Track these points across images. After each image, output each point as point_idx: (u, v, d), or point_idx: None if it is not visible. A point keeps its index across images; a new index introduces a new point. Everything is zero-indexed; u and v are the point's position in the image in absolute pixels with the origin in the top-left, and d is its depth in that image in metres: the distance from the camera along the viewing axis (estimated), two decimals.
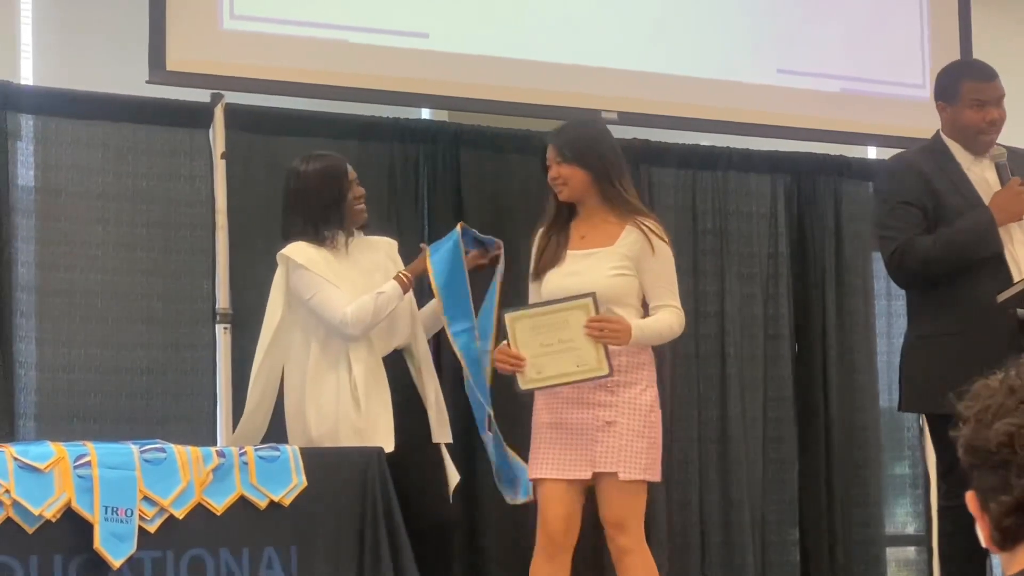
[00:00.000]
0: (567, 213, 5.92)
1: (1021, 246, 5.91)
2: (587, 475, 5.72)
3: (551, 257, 5.88)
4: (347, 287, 5.96)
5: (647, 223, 5.83)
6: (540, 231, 5.95)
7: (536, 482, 5.84)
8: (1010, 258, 5.90)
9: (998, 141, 6.18)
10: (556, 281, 5.82)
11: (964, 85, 6.12)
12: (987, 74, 6.16)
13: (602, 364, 5.66)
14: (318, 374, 5.94)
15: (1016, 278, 5.81)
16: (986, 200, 5.96)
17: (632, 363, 5.77)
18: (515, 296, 6.11)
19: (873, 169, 8.27)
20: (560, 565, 5.82)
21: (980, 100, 6.08)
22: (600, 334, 5.65)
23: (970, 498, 1.97)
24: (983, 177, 6.07)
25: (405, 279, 5.99)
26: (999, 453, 1.93)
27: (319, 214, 6.04)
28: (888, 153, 7.89)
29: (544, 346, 5.73)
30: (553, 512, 5.78)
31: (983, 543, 2.02)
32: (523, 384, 5.75)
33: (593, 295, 5.67)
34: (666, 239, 5.86)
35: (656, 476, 5.82)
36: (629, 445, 5.73)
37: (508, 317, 5.79)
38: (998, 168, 5.87)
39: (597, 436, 5.71)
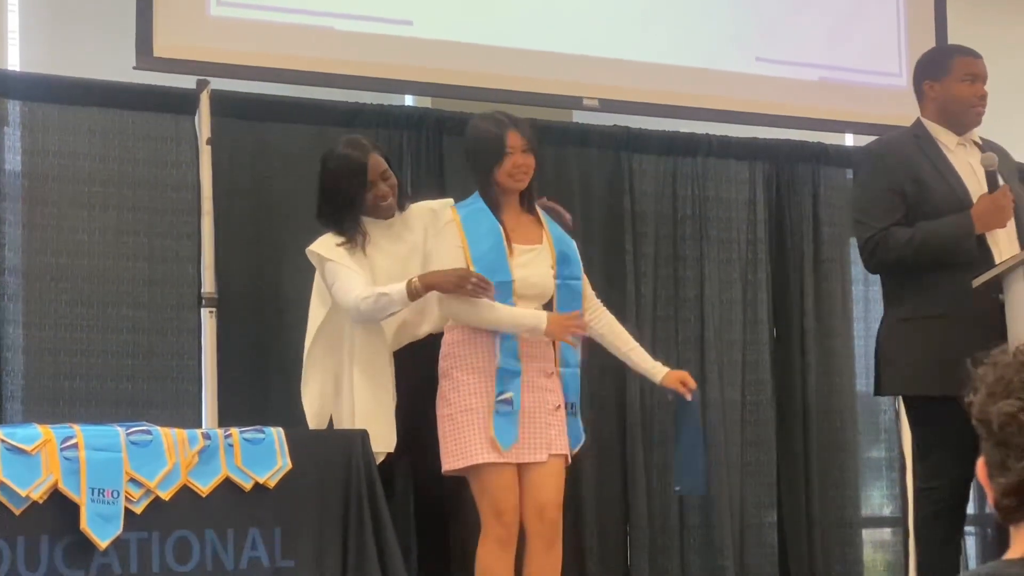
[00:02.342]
0: (495, 205, 5.92)
1: (1003, 231, 5.88)
2: (543, 458, 5.73)
3: (508, 247, 5.89)
4: (373, 277, 5.98)
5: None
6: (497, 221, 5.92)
7: (484, 467, 5.74)
8: (992, 243, 5.89)
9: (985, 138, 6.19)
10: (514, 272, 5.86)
11: (956, 60, 6.14)
12: (975, 52, 6.21)
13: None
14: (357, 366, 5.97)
15: (998, 263, 5.78)
16: (968, 183, 5.93)
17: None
18: None
19: (851, 156, 8.27)
20: (512, 553, 5.81)
21: (972, 74, 6.12)
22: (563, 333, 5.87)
23: (980, 466, 1.94)
24: (966, 161, 6.06)
25: (414, 288, 5.83)
26: (1001, 432, 1.90)
27: (334, 214, 6.08)
28: (865, 140, 7.90)
29: None
30: (511, 501, 5.76)
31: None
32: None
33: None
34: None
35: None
36: (565, 429, 5.85)
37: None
38: (988, 175, 5.82)
39: (549, 420, 5.75)
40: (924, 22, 8.29)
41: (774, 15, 7.97)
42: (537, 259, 5.88)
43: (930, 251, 5.86)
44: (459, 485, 5.99)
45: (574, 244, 6.07)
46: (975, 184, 5.95)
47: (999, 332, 5.62)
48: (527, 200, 5.97)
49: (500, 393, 5.74)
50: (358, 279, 5.91)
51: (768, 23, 7.95)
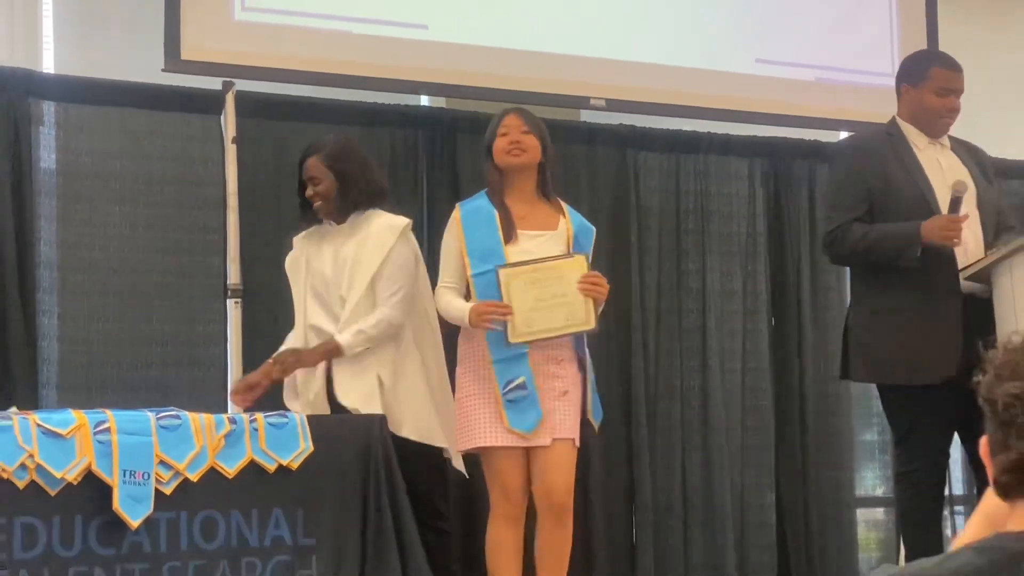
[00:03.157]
0: (501, 190, 5.91)
1: (969, 229, 5.87)
2: (547, 442, 5.71)
3: (506, 233, 5.83)
4: (307, 282, 5.98)
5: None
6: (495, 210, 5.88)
7: (491, 450, 5.77)
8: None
9: (951, 134, 6.18)
10: (513, 257, 5.81)
11: (933, 70, 6.10)
12: (955, 65, 6.15)
13: (590, 318, 5.74)
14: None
15: (961, 260, 5.78)
16: (934, 181, 5.92)
17: (569, 344, 5.85)
18: None
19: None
20: (520, 529, 5.83)
21: (945, 88, 6.08)
22: (595, 289, 5.72)
23: (982, 444, 1.96)
24: (935, 159, 6.04)
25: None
26: (1005, 412, 1.91)
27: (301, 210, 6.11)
28: None
29: (539, 300, 5.70)
30: (517, 482, 5.78)
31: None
32: (512, 337, 5.69)
33: (587, 254, 5.78)
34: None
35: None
36: (577, 414, 5.81)
37: (503, 273, 5.71)
38: (952, 200, 5.75)
39: (558, 405, 5.74)
40: (916, 23, 8.27)
41: (772, 18, 7.96)
42: (547, 244, 5.83)
43: (878, 252, 5.85)
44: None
45: (592, 234, 6.01)
46: (940, 182, 5.91)
47: (961, 325, 5.70)
48: (543, 188, 5.95)
49: (511, 381, 5.73)
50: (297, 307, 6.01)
51: (767, 26, 7.95)
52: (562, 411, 5.74)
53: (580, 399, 5.82)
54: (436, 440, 5.92)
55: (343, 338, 5.78)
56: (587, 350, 5.91)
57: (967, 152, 6.16)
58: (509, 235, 5.81)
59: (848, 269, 6.34)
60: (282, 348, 6.01)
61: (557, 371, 5.77)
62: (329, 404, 5.89)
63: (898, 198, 5.90)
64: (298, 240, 6.08)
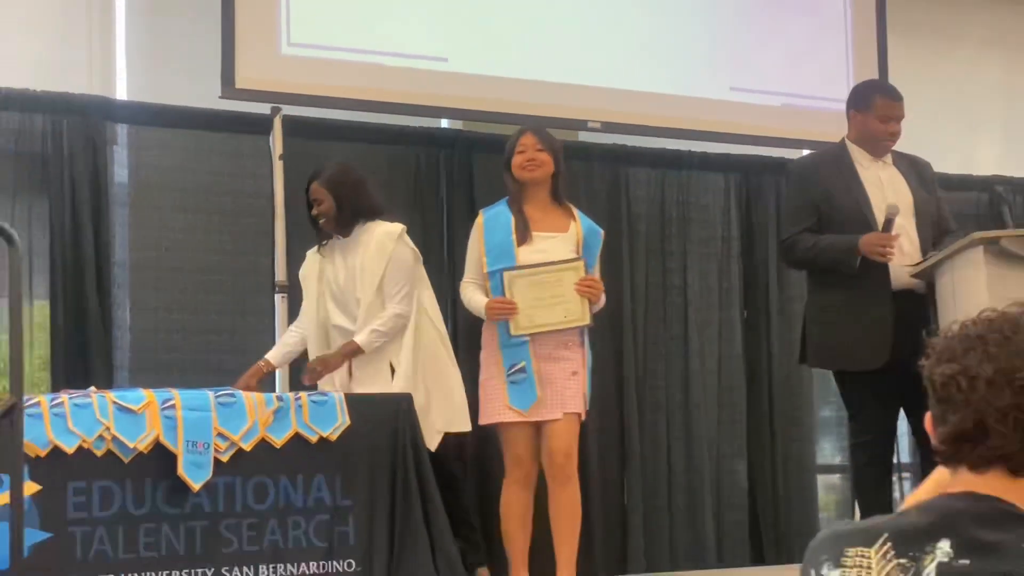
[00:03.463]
0: (521, 198, 5.93)
1: (906, 235, 5.86)
2: (558, 416, 5.77)
3: (521, 236, 5.87)
4: (320, 289, 6.05)
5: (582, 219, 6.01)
6: (512, 215, 5.91)
7: (504, 425, 5.84)
8: (897, 246, 5.83)
9: (896, 148, 6.18)
10: (527, 256, 5.85)
11: (877, 99, 6.09)
12: (896, 95, 6.13)
13: (585, 315, 5.81)
14: None
15: (898, 261, 5.78)
16: (873, 197, 5.91)
17: (580, 329, 5.87)
18: None
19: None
20: (529, 492, 5.89)
21: (888, 115, 6.06)
22: (590, 290, 5.77)
23: (928, 418, 1.96)
24: (877, 176, 6.03)
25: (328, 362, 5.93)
26: (943, 390, 1.92)
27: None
28: None
29: (538, 299, 5.76)
30: (526, 452, 5.84)
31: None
32: (515, 330, 5.77)
33: (584, 259, 5.82)
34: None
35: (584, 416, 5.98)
36: (583, 392, 5.87)
37: (507, 276, 5.79)
38: (886, 220, 5.73)
39: (568, 384, 5.77)
40: (868, 57, 8.25)
41: (744, 52, 7.94)
42: (558, 244, 5.87)
43: (822, 260, 5.86)
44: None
45: (600, 236, 6.05)
46: (879, 197, 5.90)
47: (892, 319, 5.73)
48: (556, 196, 5.97)
49: (514, 364, 5.77)
50: (302, 314, 6.08)
51: (739, 59, 7.93)
52: (572, 389, 5.80)
53: (583, 378, 5.85)
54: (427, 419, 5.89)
55: (361, 338, 5.83)
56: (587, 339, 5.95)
57: (909, 166, 6.15)
58: (524, 238, 5.86)
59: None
60: (282, 342, 6.14)
61: (567, 355, 5.82)
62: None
63: (840, 212, 5.90)
64: (310, 254, 6.15)
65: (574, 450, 5.85)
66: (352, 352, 5.86)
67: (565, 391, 5.78)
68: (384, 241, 5.92)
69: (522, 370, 5.76)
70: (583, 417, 5.89)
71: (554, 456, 5.78)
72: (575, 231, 5.92)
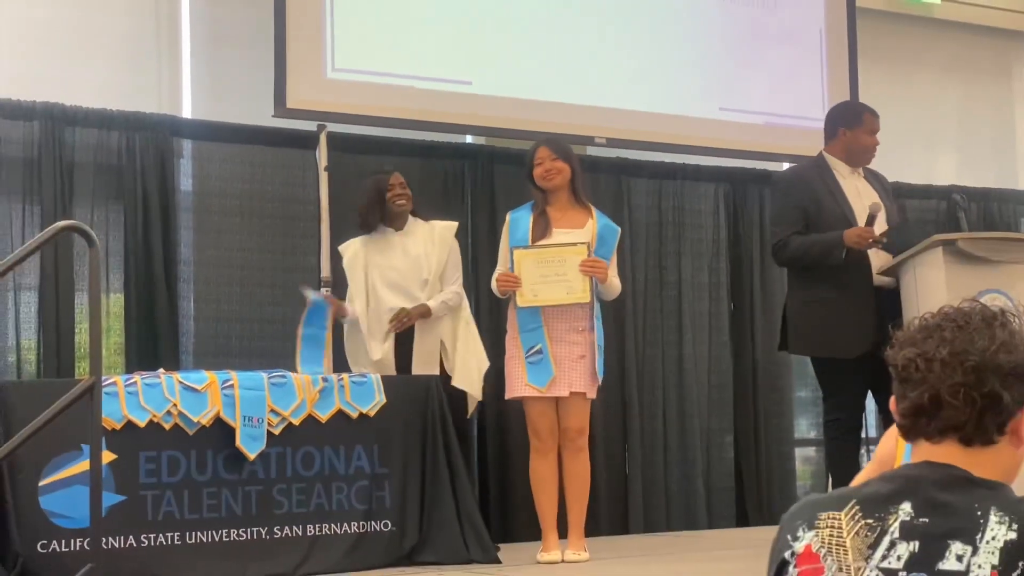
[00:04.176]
0: (545, 202, 5.89)
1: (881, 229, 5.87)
2: (565, 393, 5.75)
3: (540, 231, 5.83)
4: (373, 272, 6.09)
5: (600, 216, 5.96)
6: (531, 216, 5.87)
7: (525, 400, 5.81)
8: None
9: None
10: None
11: (866, 116, 6.09)
12: (876, 113, 6.15)
13: (586, 293, 5.72)
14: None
15: (873, 260, 5.78)
16: (853, 203, 5.90)
17: (587, 318, 5.79)
18: None
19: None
20: (551, 460, 5.86)
21: (874, 129, 6.07)
22: (591, 270, 5.70)
23: (892, 400, 1.98)
24: (855, 186, 6.02)
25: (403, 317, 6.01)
26: (903, 371, 1.94)
27: (366, 215, 6.18)
28: None
29: (543, 276, 5.71)
30: (545, 424, 5.81)
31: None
32: (520, 302, 5.74)
33: (588, 243, 5.75)
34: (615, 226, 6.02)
35: (594, 395, 5.91)
36: (591, 373, 5.80)
37: (517, 253, 5.75)
38: (869, 216, 5.71)
39: (575, 365, 5.75)
40: (841, 81, 8.24)
41: (732, 77, 7.93)
42: (572, 238, 5.81)
43: (812, 255, 5.82)
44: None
45: (617, 235, 5.98)
46: (859, 204, 5.88)
47: (873, 311, 5.70)
48: (575, 196, 5.93)
49: (532, 347, 5.75)
50: (352, 298, 6.12)
51: (728, 83, 7.92)
52: (579, 371, 5.76)
53: (592, 360, 5.80)
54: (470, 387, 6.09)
55: (433, 304, 6.02)
56: (600, 324, 5.89)
57: (874, 178, 6.15)
58: (542, 234, 5.81)
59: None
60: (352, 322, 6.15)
61: (576, 339, 5.77)
62: (396, 365, 6.00)
63: (826, 216, 5.88)
64: (354, 244, 6.19)
65: (585, 425, 5.85)
66: (424, 313, 5.99)
67: (572, 372, 5.75)
68: (445, 234, 6.17)
69: (539, 351, 5.74)
70: (591, 396, 5.85)
71: (567, 432, 5.81)
72: (591, 227, 5.86)
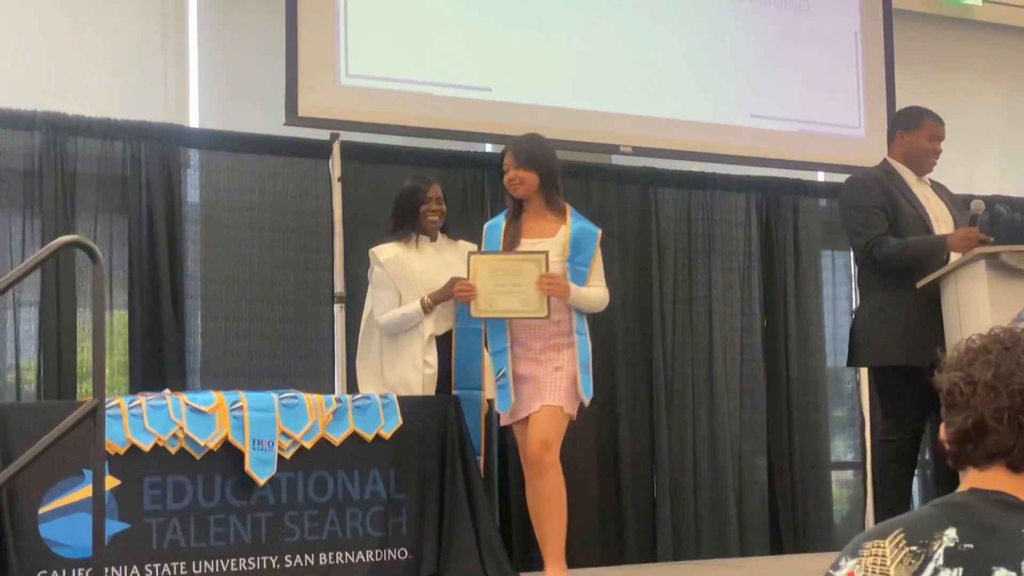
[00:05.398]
0: (519, 209, 5.64)
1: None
2: (537, 408, 5.42)
3: (511, 240, 5.59)
4: (418, 276, 5.92)
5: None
6: (504, 224, 5.65)
7: (511, 427, 5.61)
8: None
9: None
10: None
11: (926, 121, 6.07)
12: (941, 120, 6.12)
13: (542, 308, 5.42)
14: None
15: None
16: (928, 210, 5.88)
17: (567, 335, 5.49)
18: None
19: (823, 188, 8.27)
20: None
21: (935, 135, 6.05)
22: (550, 288, 5.40)
23: (943, 426, 1.97)
24: (923, 194, 5.99)
25: (426, 304, 5.86)
26: (948, 396, 1.93)
27: (400, 220, 6.06)
28: (833, 177, 7.89)
29: (498, 285, 5.49)
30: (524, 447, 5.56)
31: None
32: (474, 312, 5.55)
33: (546, 253, 5.46)
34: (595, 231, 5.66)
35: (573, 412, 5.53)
36: (567, 387, 5.44)
37: (473, 258, 5.58)
38: (972, 216, 5.68)
39: (548, 379, 5.43)
40: (877, 86, 8.22)
41: (764, 83, 7.91)
42: (545, 248, 5.53)
43: (913, 257, 5.74)
44: None
45: (596, 238, 5.62)
46: (930, 211, 5.88)
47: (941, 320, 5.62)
48: (550, 201, 5.62)
49: (499, 371, 5.53)
50: (386, 300, 5.91)
51: (760, 88, 7.89)
52: (552, 383, 5.42)
53: (572, 375, 5.46)
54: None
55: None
56: (587, 340, 5.57)
57: (940, 189, 6.13)
58: (512, 243, 5.59)
59: (828, 279, 6.26)
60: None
61: (554, 356, 5.45)
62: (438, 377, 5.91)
63: (903, 219, 5.84)
64: (392, 247, 6.01)
65: (550, 439, 5.38)
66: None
67: (545, 386, 5.42)
68: (458, 253, 6.00)
69: (504, 375, 5.51)
70: (568, 411, 5.46)
71: (528, 445, 5.43)
72: (563, 235, 5.55)
